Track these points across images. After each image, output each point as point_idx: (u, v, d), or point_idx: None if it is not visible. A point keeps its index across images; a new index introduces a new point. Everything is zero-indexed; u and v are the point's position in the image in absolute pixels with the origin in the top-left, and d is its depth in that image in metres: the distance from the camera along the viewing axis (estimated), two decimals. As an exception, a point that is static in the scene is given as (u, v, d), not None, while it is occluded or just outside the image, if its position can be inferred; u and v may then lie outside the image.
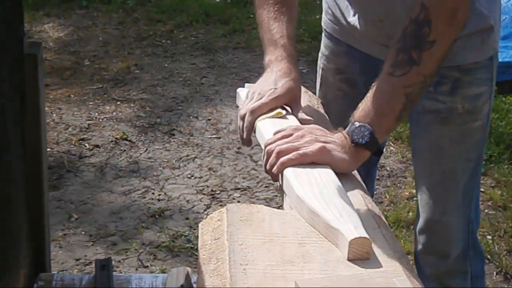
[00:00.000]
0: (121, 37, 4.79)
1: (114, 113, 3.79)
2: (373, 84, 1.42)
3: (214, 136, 3.58)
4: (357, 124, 1.38)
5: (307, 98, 1.74)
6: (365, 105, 1.40)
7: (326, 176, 1.31)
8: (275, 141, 1.38)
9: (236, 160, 3.37)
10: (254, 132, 1.54)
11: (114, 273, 1.76)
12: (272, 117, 1.52)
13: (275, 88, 1.54)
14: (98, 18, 5.08)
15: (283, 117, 1.52)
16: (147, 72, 4.29)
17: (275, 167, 1.34)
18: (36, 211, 1.67)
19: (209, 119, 3.75)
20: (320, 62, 1.89)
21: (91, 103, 3.89)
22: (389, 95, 1.39)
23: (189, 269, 1.73)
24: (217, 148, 3.47)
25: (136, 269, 2.60)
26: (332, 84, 1.84)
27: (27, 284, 1.61)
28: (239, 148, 3.47)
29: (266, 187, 3.15)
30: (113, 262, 1.99)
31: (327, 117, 1.69)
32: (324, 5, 1.85)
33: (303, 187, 1.27)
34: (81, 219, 2.89)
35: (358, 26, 1.69)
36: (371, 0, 1.63)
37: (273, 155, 1.36)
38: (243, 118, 1.54)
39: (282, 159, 1.34)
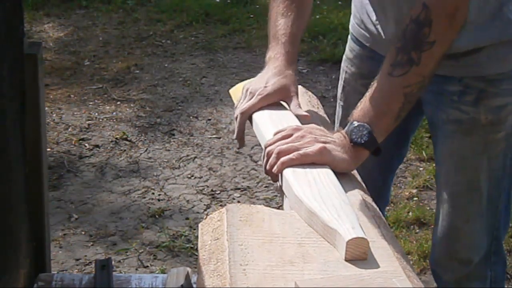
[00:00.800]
0: (121, 37, 4.79)
1: (114, 113, 3.79)
2: (371, 83, 1.42)
3: (214, 136, 3.59)
4: (355, 123, 1.38)
5: (307, 98, 1.74)
6: (363, 104, 1.40)
7: (325, 176, 1.31)
8: (275, 142, 1.38)
9: (236, 160, 3.37)
10: (251, 124, 1.55)
11: (114, 273, 1.76)
12: None
13: (265, 87, 1.55)
14: (98, 18, 5.08)
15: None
16: (147, 72, 4.29)
17: (275, 167, 1.34)
18: (36, 211, 1.67)
19: (209, 119, 3.75)
20: (344, 65, 1.88)
21: (91, 103, 3.90)
22: (388, 94, 1.39)
23: (189, 269, 1.73)
24: (217, 148, 3.47)
25: (136, 269, 2.60)
26: (354, 88, 1.83)
27: (27, 284, 1.61)
28: (239, 148, 3.46)
29: (266, 187, 3.15)
30: (113, 262, 1.99)
31: (326, 118, 1.68)
32: (353, 9, 1.83)
33: (302, 187, 1.27)
34: (81, 219, 2.89)
35: (382, 30, 1.68)
36: (394, 1, 1.61)
37: (273, 155, 1.35)
38: (236, 119, 1.56)
39: (283, 159, 1.34)
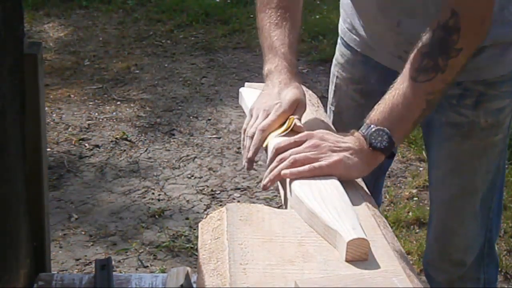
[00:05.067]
0: (121, 37, 4.79)
1: (114, 113, 3.79)
2: (391, 86, 1.39)
3: (214, 136, 3.59)
4: (374, 127, 1.35)
5: (307, 97, 1.73)
6: (383, 108, 1.37)
7: (326, 177, 1.31)
8: (287, 146, 1.33)
9: (236, 160, 3.37)
10: (266, 151, 1.46)
11: (114, 273, 1.76)
12: (285, 130, 1.44)
13: (280, 103, 1.47)
14: (98, 18, 5.09)
15: (298, 129, 1.44)
16: (147, 72, 4.29)
17: (288, 174, 1.29)
18: (36, 211, 1.66)
19: (209, 119, 3.75)
20: (335, 70, 1.85)
21: (91, 103, 3.90)
22: (410, 100, 1.36)
23: (189, 269, 1.73)
24: (217, 148, 3.47)
25: (136, 269, 2.60)
26: (346, 93, 1.81)
27: (27, 284, 1.61)
28: (239, 148, 3.47)
29: (266, 187, 3.15)
30: (113, 262, 1.99)
31: (327, 117, 1.68)
32: (342, 13, 1.80)
33: (302, 188, 1.27)
34: (81, 219, 2.89)
35: (375, 34, 1.66)
36: (388, 2, 1.59)
37: (287, 162, 1.31)
38: (251, 137, 1.46)
39: (297, 169, 1.29)
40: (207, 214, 2.80)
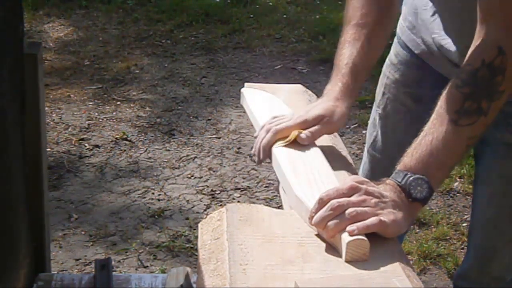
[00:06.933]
0: (121, 37, 4.79)
1: (114, 113, 3.79)
2: (427, 128, 1.28)
3: (214, 136, 3.59)
4: (412, 175, 1.23)
5: (307, 97, 1.74)
6: (420, 153, 1.25)
7: (325, 176, 1.31)
8: (334, 195, 1.19)
9: (236, 160, 3.37)
10: (270, 159, 1.45)
11: (113, 273, 1.76)
12: (287, 142, 1.42)
13: (307, 112, 1.45)
14: (98, 18, 5.08)
15: (300, 140, 1.42)
16: (147, 72, 4.29)
17: (356, 230, 1.13)
18: (36, 211, 1.66)
19: (209, 119, 3.75)
20: (386, 70, 1.76)
21: (91, 103, 3.90)
22: (451, 144, 1.25)
23: (189, 269, 1.73)
24: (217, 148, 3.47)
25: (136, 269, 2.60)
26: (395, 96, 1.73)
27: (27, 284, 1.61)
28: (239, 148, 3.47)
29: (266, 187, 3.15)
30: (113, 262, 1.99)
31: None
32: (403, 9, 1.70)
33: (302, 188, 1.27)
34: (81, 219, 2.89)
35: (448, 51, 1.55)
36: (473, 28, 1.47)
37: (348, 215, 1.15)
38: (265, 133, 1.45)
39: (363, 223, 1.15)
40: (207, 214, 2.80)
